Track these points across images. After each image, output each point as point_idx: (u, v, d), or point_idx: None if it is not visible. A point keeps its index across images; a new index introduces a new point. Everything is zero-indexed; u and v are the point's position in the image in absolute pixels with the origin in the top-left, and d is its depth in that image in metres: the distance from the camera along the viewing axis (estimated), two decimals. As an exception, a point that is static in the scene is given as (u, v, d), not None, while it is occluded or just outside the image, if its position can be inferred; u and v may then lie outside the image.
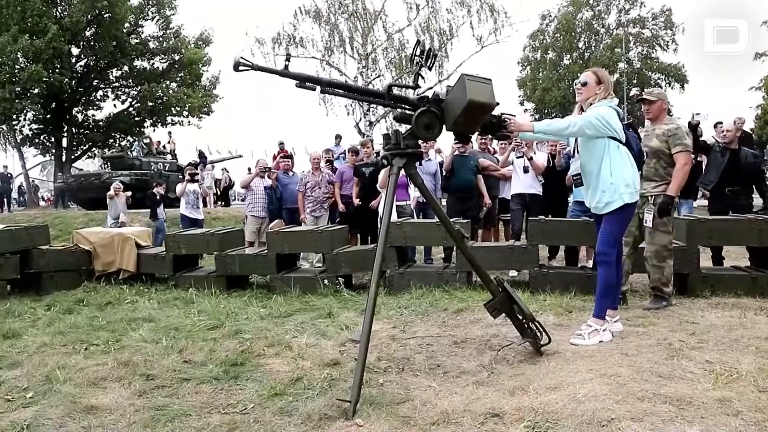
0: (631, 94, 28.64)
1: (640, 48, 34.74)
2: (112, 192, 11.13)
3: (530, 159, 6.92)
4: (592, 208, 3.81)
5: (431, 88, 18.85)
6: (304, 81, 2.89)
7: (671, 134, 4.42)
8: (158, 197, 11.23)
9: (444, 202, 7.96)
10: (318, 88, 2.96)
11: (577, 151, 3.81)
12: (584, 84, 3.70)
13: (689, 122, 6.55)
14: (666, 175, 4.46)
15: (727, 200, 6.37)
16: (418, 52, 2.97)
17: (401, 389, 2.93)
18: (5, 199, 21.05)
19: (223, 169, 21.55)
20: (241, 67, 2.72)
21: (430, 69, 2.98)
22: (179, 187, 9.96)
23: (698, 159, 6.91)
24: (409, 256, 6.97)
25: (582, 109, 3.74)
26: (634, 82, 33.99)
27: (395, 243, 5.83)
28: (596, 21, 35.25)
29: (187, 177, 9.97)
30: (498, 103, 3.00)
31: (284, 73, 2.83)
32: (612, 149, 3.59)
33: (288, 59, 2.84)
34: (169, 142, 20.72)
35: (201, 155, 20.51)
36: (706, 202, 11.75)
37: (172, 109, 25.31)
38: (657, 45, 34.31)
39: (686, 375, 2.85)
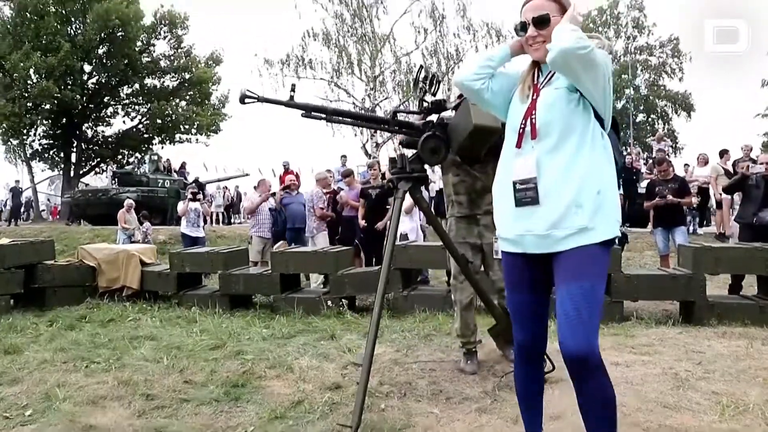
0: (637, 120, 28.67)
1: (647, 75, 34.92)
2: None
3: None
4: (531, 234, 1.98)
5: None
6: (309, 111, 2.93)
7: None
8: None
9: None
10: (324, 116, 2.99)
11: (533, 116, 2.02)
12: (543, 21, 1.98)
13: (742, 173, 6.58)
14: None
15: (755, 228, 6.27)
16: (421, 77, 2.99)
17: (403, 415, 2.89)
18: (17, 214, 21.13)
19: (224, 187, 21.63)
20: (247, 100, 2.77)
21: (434, 95, 3.00)
22: (181, 206, 9.99)
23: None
24: (424, 274, 6.98)
25: (538, 66, 2.11)
26: (641, 108, 34.11)
27: (400, 266, 5.82)
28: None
29: (189, 196, 10.01)
30: (504, 124, 3.00)
31: (290, 104, 2.86)
32: (595, 134, 1.98)
33: (293, 89, 2.87)
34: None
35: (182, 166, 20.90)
36: (711, 228, 11.72)
37: (181, 126, 25.55)
38: (664, 72, 34.50)
39: (692, 406, 2.82)
